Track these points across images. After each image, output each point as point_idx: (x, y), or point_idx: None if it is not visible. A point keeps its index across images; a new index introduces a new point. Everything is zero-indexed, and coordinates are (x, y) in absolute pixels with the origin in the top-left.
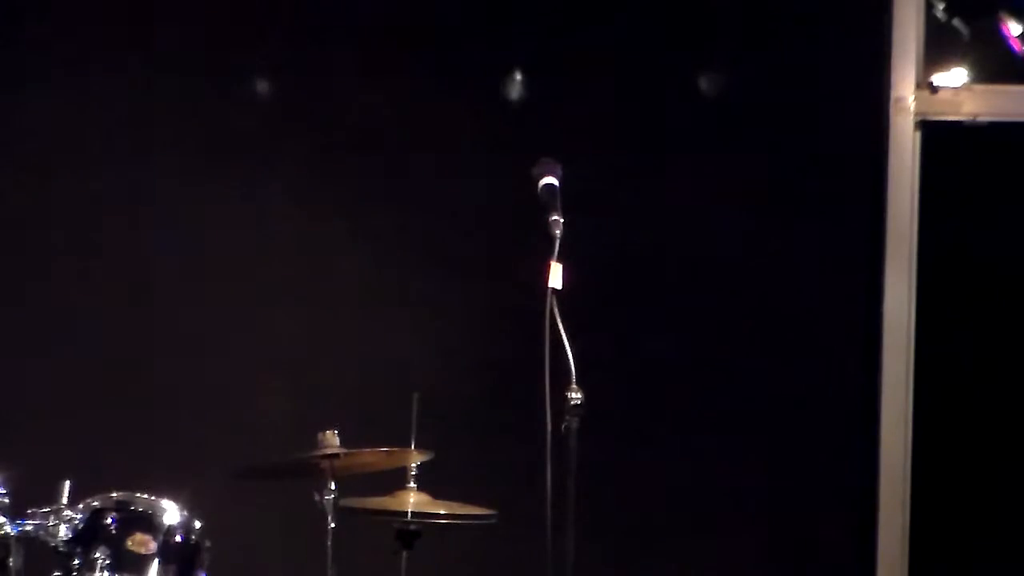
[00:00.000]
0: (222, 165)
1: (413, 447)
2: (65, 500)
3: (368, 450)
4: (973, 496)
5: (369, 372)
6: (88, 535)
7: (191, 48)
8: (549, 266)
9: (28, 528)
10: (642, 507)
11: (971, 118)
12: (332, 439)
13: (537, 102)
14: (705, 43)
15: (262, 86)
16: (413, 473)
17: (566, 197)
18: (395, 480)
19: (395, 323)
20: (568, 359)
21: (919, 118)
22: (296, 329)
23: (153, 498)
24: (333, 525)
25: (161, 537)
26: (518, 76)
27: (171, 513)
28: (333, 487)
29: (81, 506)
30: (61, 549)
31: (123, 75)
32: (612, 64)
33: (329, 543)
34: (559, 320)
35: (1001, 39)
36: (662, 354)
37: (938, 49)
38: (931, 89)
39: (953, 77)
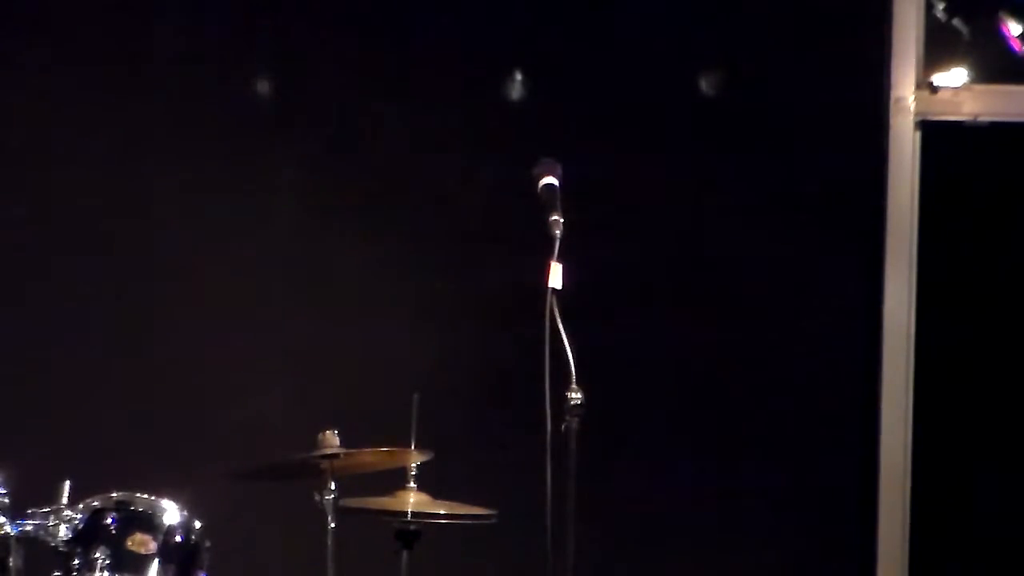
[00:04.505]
0: (222, 165)
1: (413, 447)
2: (65, 500)
3: (368, 450)
4: (973, 495)
5: (369, 372)
6: (88, 535)
7: (191, 48)
8: (549, 266)
9: (28, 528)
10: (642, 507)
11: (971, 118)
12: (332, 439)
13: (537, 102)
14: (705, 43)
15: (262, 86)
16: (413, 473)
17: (566, 197)
18: (395, 480)
19: (395, 323)
20: (568, 359)
21: (919, 118)
22: (296, 329)
23: (153, 498)
24: (333, 525)
25: (161, 537)
26: (518, 76)
27: (171, 513)
28: (333, 487)
29: (81, 506)
30: (61, 549)
31: (123, 75)
32: (612, 64)
33: (329, 543)
34: (559, 320)
35: (1001, 39)
36: (662, 354)
37: (938, 49)
38: (931, 89)
39: (953, 77)
